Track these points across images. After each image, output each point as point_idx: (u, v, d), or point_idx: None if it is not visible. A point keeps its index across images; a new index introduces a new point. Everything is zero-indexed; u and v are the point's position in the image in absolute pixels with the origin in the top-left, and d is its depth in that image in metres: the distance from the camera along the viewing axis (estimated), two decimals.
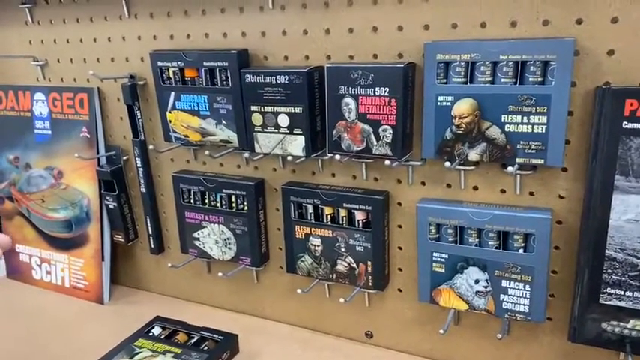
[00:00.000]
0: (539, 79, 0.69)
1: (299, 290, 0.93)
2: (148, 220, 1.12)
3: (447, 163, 0.76)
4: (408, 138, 0.80)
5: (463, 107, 0.73)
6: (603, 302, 0.72)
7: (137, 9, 1.00)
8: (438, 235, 0.81)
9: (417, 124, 0.80)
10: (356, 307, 0.97)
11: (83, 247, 1.17)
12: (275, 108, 0.86)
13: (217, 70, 0.89)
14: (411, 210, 0.85)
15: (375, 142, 0.80)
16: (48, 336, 1.05)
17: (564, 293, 0.79)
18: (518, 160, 0.72)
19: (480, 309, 0.81)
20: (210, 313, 1.11)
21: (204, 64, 0.90)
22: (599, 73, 0.68)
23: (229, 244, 1.01)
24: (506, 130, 0.72)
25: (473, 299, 0.81)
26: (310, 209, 0.91)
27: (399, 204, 0.87)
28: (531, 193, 0.77)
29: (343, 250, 0.90)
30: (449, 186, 0.82)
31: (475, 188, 0.81)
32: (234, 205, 0.98)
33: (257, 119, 0.88)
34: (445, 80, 0.74)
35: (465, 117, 0.73)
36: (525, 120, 0.70)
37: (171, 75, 0.94)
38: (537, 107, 0.69)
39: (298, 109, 0.84)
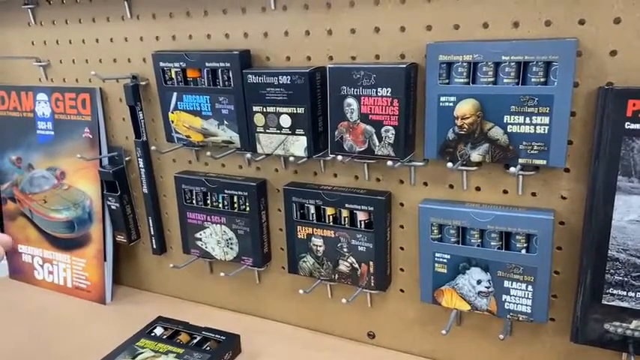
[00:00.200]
0: (542, 79, 0.69)
1: (301, 291, 0.93)
2: (150, 220, 1.12)
3: (450, 164, 0.76)
4: (411, 138, 0.80)
5: (465, 108, 0.73)
6: (606, 303, 0.72)
7: (139, 10, 1.00)
8: (440, 236, 0.81)
9: (420, 125, 0.80)
10: (358, 308, 0.97)
11: (85, 247, 1.17)
12: (277, 108, 0.86)
13: (219, 70, 0.90)
14: (413, 210, 0.85)
15: (377, 143, 0.80)
16: (50, 336, 1.05)
17: (567, 294, 0.79)
18: (520, 161, 0.72)
19: (482, 310, 0.81)
20: (213, 313, 1.12)
21: (207, 64, 0.90)
22: (602, 74, 0.68)
23: (231, 244, 1.01)
24: (509, 130, 0.72)
25: (475, 300, 0.81)
26: (312, 209, 0.91)
27: (401, 204, 0.87)
28: (534, 194, 0.77)
29: (345, 250, 0.90)
30: (451, 186, 0.82)
31: (477, 189, 0.81)
32: (236, 205, 0.98)
33: (259, 120, 0.88)
34: (447, 81, 0.74)
35: (468, 117, 0.73)
36: (528, 120, 0.70)
37: (173, 75, 0.94)
38: (540, 108, 0.69)
39: (300, 110, 0.84)
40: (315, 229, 0.91)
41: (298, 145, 0.86)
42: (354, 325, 0.99)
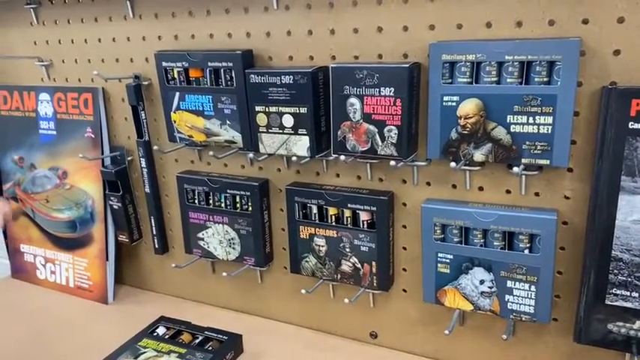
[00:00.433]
0: (545, 79, 0.68)
1: (303, 291, 0.93)
2: (153, 220, 1.12)
3: (453, 164, 0.75)
4: (413, 138, 0.80)
5: (468, 107, 0.73)
6: (609, 303, 0.72)
7: (142, 9, 1.00)
8: (443, 236, 0.81)
9: (422, 125, 0.80)
10: (360, 308, 0.97)
11: (87, 247, 1.17)
12: (280, 108, 0.86)
13: (222, 70, 0.90)
14: (415, 210, 0.85)
15: (380, 143, 0.80)
16: (52, 336, 1.05)
17: (570, 294, 0.79)
18: (523, 161, 0.72)
19: (485, 310, 0.81)
20: (215, 313, 1.12)
21: (209, 64, 0.90)
22: (606, 73, 0.68)
23: (233, 244, 1.01)
24: (512, 130, 0.71)
25: (478, 300, 0.81)
26: (315, 209, 0.91)
27: (404, 204, 0.87)
28: (537, 194, 0.77)
29: (348, 250, 0.89)
30: (454, 186, 0.82)
31: (480, 188, 0.81)
32: (238, 205, 0.98)
33: (261, 119, 0.88)
34: (450, 80, 0.74)
35: (471, 117, 0.73)
36: (531, 120, 0.70)
37: (175, 75, 0.94)
38: (543, 107, 0.69)
39: (303, 110, 0.84)
40: (317, 229, 0.91)
41: (301, 145, 0.86)
42: (356, 325, 0.99)
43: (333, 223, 0.90)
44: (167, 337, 0.98)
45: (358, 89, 0.79)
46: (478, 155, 0.75)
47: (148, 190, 1.10)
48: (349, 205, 0.87)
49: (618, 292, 0.71)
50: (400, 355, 0.95)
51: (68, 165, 1.16)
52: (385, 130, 0.78)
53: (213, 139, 0.95)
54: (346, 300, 0.90)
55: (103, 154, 1.11)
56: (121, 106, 1.10)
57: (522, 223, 0.75)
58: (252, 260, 1.00)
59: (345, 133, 0.82)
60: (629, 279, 0.70)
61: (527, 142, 0.71)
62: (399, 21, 0.78)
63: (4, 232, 1.31)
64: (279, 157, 0.93)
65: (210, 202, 1.01)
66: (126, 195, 1.12)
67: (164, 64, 0.94)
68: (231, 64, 0.88)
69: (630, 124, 0.65)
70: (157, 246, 1.14)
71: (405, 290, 0.92)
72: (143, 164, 1.08)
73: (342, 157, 0.83)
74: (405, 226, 0.88)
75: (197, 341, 0.96)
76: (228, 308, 1.13)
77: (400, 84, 0.75)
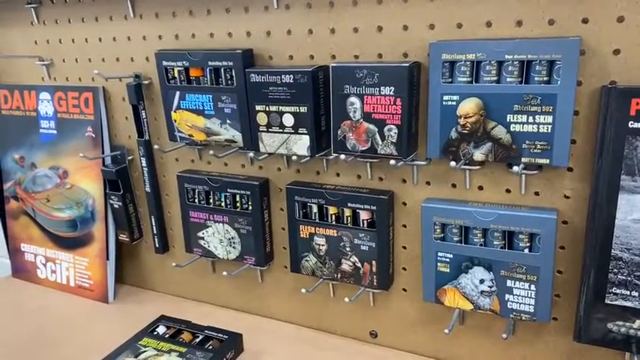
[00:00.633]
0: (545, 78, 0.69)
1: (303, 290, 0.94)
2: (153, 219, 1.12)
3: (452, 163, 0.76)
4: (413, 137, 0.80)
5: (468, 107, 0.73)
6: (609, 302, 0.72)
7: (142, 9, 1.00)
8: (442, 235, 0.81)
9: (422, 124, 0.80)
10: (360, 307, 0.97)
11: (88, 246, 1.17)
12: (280, 107, 0.86)
13: (222, 69, 0.90)
14: (415, 210, 0.85)
15: (380, 142, 0.80)
16: (53, 335, 1.06)
17: (570, 293, 0.79)
18: (523, 160, 0.72)
19: (485, 309, 0.81)
20: (215, 312, 1.12)
21: (209, 63, 0.90)
22: (605, 73, 0.68)
23: (234, 243, 1.01)
24: (512, 129, 0.71)
25: (478, 299, 0.81)
26: (315, 209, 0.91)
27: (404, 203, 0.87)
28: (537, 193, 0.77)
29: (348, 249, 0.89)
30: (454, 186, 0.82)
31: (480, 188, 0.81)
32: (238, 204, 0.98)
33: (262, 119, 0.88)
34: (450, 80, 0.74)
35: (471, 116, 0.73)
36: (531, 119, 0.70)
37: (176, 74, 0.94)
38: (543, 107, 0.69)
39: (303, 109, 0.84)
40: (317, 229, 0.91)
41: (301, 144, 0.86)
42: (356, 324, 0.99)
43: (334, 223, 0.90)
44: (167, 336, 0.98)
45: (358, 88, 0.79)
46: (478, 154, 0.75)
47: (148, 189, 1.10)
48: (349, 205, 0.87)
49: (618, 291, 0.71)
50: (400, 354, 0.95)
51: (69, 164, 1.16)
52: (385, 129, 0.79)
53: (214, 139, 0.95)
54: (346, 299, 0.90)
55: (103, 153, 1.11)
56: (121, 105, 1.10)
57: (522, 223, 0.75)
58: (252, 259, 1.00)
59: (345, 133, 0.82)
60: (629, 278, 0.70)
61: (527, 142, 0.71)
62: (399, 20, 0.78)
63: (5, 232, 1.31)
64: (280, 156, 0.93)
65: (211, 201, 1.01)
66: (126, 194, 1.12)
67: (164, 63, 0.94)
68: (231, 64, 0.88)
69: (630, 123, 0.65)
70: (157, 245, 1.14)
71: (405, 289, 0.92)
72: (144, 163, 1.08)
73: (342, 157, 0.83)
74: (405, 226, 0.88)
75: (197, 340, 0.96)
76: (228, 307, 1.13)
77: (400, 83, 0.76)
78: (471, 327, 0.88)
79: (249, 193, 0.96)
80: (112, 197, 1.12)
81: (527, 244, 0.76)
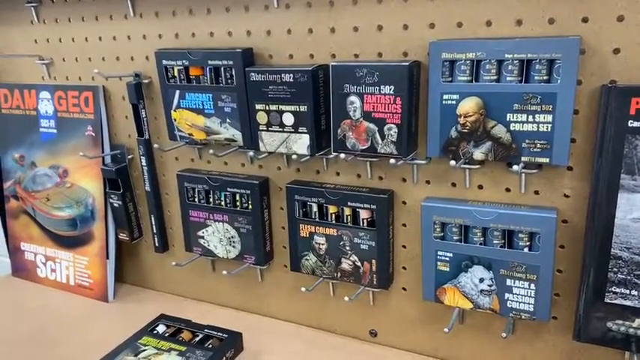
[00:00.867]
0: (545, 77, 0.69)
1: (303, 289, 0.94)
2: (153, 218, 1.12)
3: (452, 162, 0.76)
4: (413, 136, 0.80)
5: (468, 106, 0.73)
6: (609, 301, 0.72)
7: (142, 8, 1.00)
8: (442, 234, 0.81)
9: (422, 123, 0.80)
10: (360, 306, 0.97)
11: (88, 245, 1.17)
12: (280, 106, 0.86)
13: (222, 68, 0.90)
14: (415, 209, 0.85)
15: (379, 141, 0.80)
16: (52, 334, 1.06)
17: (569, 292, 0.79)
18: (523, 159, 0.72)
19: (485, 308, 0.81)
20: (215, 311, 1.12)
21: (209, 62, 0.90)
22: (605, 72, 0.68)
23: (234, 242, 1.01)
24: (512, 128, 0.71)
25: (477, 298, 0.81)
26: (315, 208, 0.91)
27: (404, 203, 0.87)
28: (536, 192, 0.77)
29: (347, 248, 0.90)
30: (454, 185, 0.82)
31: (480, 187, 0.81)
32: (238, 203, 0.98)
33: (262, 118, 0.88)
34: (450, 79, 0.74)
35: (470, 116, 0.73)
36: (531, 118, 0.70)
37: (176, 73, 0.94)
38: (543, 106, 0.69)
39: (303, 108, 0.84)
40: (317, 228, 0.91)
41: (301, 143, 0.86)
42: (356, 323, 0.99)
43: (333, 222, 0.90)
44: (167, 334, 0.98)
45: (358, 87, 0.79)
46: (478, 153, 0.75)
47: (148, 188, 1.10)
48: (349, 204, 0.87)
49: (618, 290, 0.71)
50: (400, 353, 0.95)
51: (69, 163, 1.16)
52: (385, 128, 0.79)
53: (214, 138, 0.95)
54: (346, 298, 0.90)
55: (103, 152, 1.11)
56: (121, 104, 1.10)
57: (522, 222, 0.75)
58: (252, 258, 1.00)
59: (345, 132, 0.82)
60: (629, 277, 0.70)
61: (527, 141, 0.71)
62: (399, 19, 0.78)
63: (5, 231, 1.31)
64: (280, 155, 0.93)
65: (211, 200, 1.01)
66: (126, 193, 1.12)
67: (164, 62, 0.94)
68: (231, 63, 0.88)
69: (630, 122, 0.65)
70: (157, 244, 1.14)
71: (404, 288, 0.92)
72: (143, 162, 1.08)
73: (342, 156, 0.83)
74: (404, 225, 0.88)
75: (197, 339, 0.96)
76: (228, 306, 1.13)
77: (400, 82, 0.76)
78: (470, 326, 0.88)
79: (249, 192, 0.96)
80: (112, 196, 1.12)
81: (527, 243, 0.76)
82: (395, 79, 0.76)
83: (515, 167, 0.72)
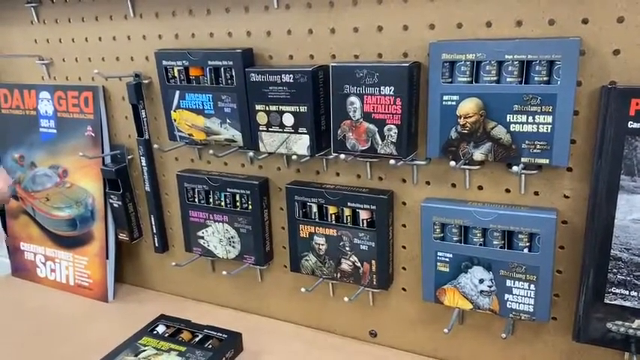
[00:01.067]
0: (545, 78, 0.69)
1: (303, 289, 0.94)
2: (153, 218, 1.12)
3: (452, 163, 0.76)
4: (413, 137, 0.80)
5: (468, 107, 0.73)
6: (608, 302, 0.72)
7: (142, 8, 1.00)
8: (442, 235, 0.81)
9: (422, 124, 0.80)
10: (360, 306, 0.97)
11: (88, 245, 1.17)
12: (280, 107, 0.86)
13: (222, 69, 0.90)
14: (415, 209, 0.86)
15: (379, 142, 0.80)
16: (52, 334, 1.06)
17: (569, 293, 0.79)
18: (523, 160, 0.72)
19: (485, 309, 0.81)
20: (215, 311, 1.12)
21: (209, 63, 0.90)
22: (605, 73, 0.68)
23: (233, 242, 1.01)
24: (512, 129, 0.72)
25: (477, 299, 0.81)
26: (314, 208, 0.91)
27: (404, 203, 0.87)
28: (536, 193, 0.77)
29: (347, 249, 0.90)
30: (453, 185, 0.82)
31: (480, 188, 0.81)
32: (238, 204, 0.98)
33: (262, 118, 0.88)
34: (450, 80, 0.74)
35: (470, 116, 0.73)
36: (531, 119, 0.70)
37: (176, 74, 0.94)
38: (543, 107, 0.69)
39: (303, 108, 0.84)
40: (317, 228, 0.91)
41: (301, 144, 0.86)
42: (356, 323, 0.99)
43: (333, 222, 0.90)
44: (167, 335, 0.98)
45: (358, 88, 0.79)
46: (478, 154, 0.75)
47: (148, 188, 1.10)
48: (349, 204, 0.87)
49: (617, 291, 0.71)
50: (399, 353, 0.95)
51: (68, 163, 1.16)
52: (385, 129, 0.79)
53: (214, 138, 0.95)
54: (346, 298, 0.90)
55: (103, 152, 1.11)
56: (121, 104, 1.10)
57: (522, 222, 0.75)
58: (252, 259, 1.00)
59: (345, 132, 0.82)
60: (628, 278, 0.70)
61: (527, 142, 0.71)
62: (399, 20, 0.78)
63: (5, 230, 1.31)
64: (279, 155, 0.93)
65: (210, 200, 1.01)
66: (126, 193, 1.12)
67: (164, 62, 0.94)
68: (231, 63, 0.88)
69: (629, 123, 0.65)
70: (157, 244, 1.14)
71: (404, 289, 0.92)
72: (143, 163, 1.08)
73: (342, 156, 0.83)
74: (404, 225, 0.88)
75: (197, 339, 0.96)
76: (228, 307, 1.13)
77: (400, 83, 0.76)
78: (470, 326, 0.88)
79: (248, 192, 0.96)
80: (112, 196, 1.12)
81: (527, 244, 0.76)
82: (395, 79, 0.76)
83: (515, 168, 0.72)
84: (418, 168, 0.84)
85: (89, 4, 1.05)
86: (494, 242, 0.78)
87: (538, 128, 0.70)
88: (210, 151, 0.92)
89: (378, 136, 0.80)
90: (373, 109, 0.79)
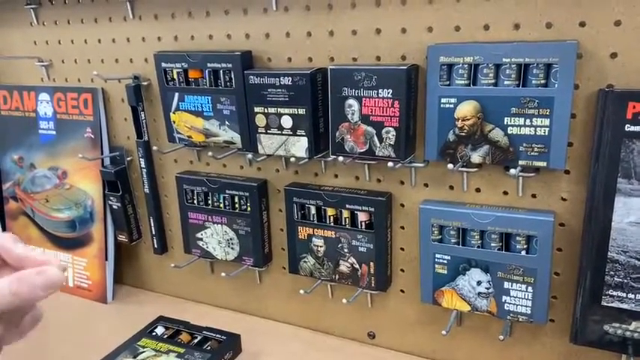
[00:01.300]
0: (542, 81, 0.69)
1: (301, 291, 0.94)
2: (152, 220, 1.12)
3: (450, 165, 0.76)
4: (411, 140, 0.81)
5: (466, 109, 0.73)
6: (605, 304, 0.72)
7: (141, 10, 1.00)
8: (440, 237, 0.81)
9: (420, 126, 0.81)
10: (358, 308, 0.97)
11: (87, 247, 1.17)
12: (278, 109, 0.86)
13: (221, 71, 0.90)
14: (413, 211, 0.86)
15: (378, 144, 0.80)
16: (51, 335, 1.06)
17: (566, 295, 0.79)
18: (520, 163, 0.72)
19: (483, 310, 0.82)
20: (213, 313, 1.12)
21: (208, 65, 0.90)
22: (602, 76, 0.68)
23: (232, 244, 1.01)
24: (509, 132, 0.72)
25: (475, 301, 0.81)
26: (313, 210, 0.91)
27: (402, 205, 0.87)
28: (534, 195, 0.77)
29: (346, 250, 0.90)
30: (451, 188, 0.83)
31: (478, 190, 0.81)
32: (237, 205, 0.98)
33: (260, 120, 0.88)
34: (448, 82, 0.74)
35: (468, 119, 0.74)
36: (528, 122, 0.70)
37: (175, 76, 0.95)
38: (540, 110, 0.69)
39: (302, 111, 0.84)
40: (315, 230, 0.91)
41: (299, 146, 0.86)
42: (354, 325, 0.99)
43: (332, 224, 0.90)
44: (166, 336, 0.98)
45: (356, 91, 0.79)
46: (475, 157, 0.75)
47: (147, 190, 1.10)
48: (347, 206, 0.87)
49: (614, 293, 0.71)
50: (398, 355, 0.95)
51: (68, 165, 1.16)
52: (383, 131, 0.79)
53: (212, 140, 0.95)
54: (344, 300, 0.90)
55: (102, 154, 1.12)
56: (120, 106, 1.10)
57: (519, 225, 0.75)
58: (250, 260, 1.00)
59: (343, 135, 0.82)
60: (625, 280, 0.70)
61: (525, 144, 0.71)
62: (398, 23, 0.78)
63: (4, 231, 1.31)
64: (278, 157, 0.93)
65: (209, 202, 1.01)
66: (125, 195, 1.12)
67: (163, 64, 0.95)
68: (230, 65, 0.88)
69: (627, 126, 0.66)
70: (156, 246, 1.14)
71: (402, 291, 0.92)
72: (142, 164, 1.08)
73: (341, 158, 0.83)
74: (402, 227, 0.89)
75: (196, 341, 0.96)
76: (226, 308, 1.13)
77: (398, 86, 0.76)
78: (468, 328, 0.88)
79: (247, 194, 0.96)
80: (111, 198, 1.12)
81: (525, 246, 0.76)
82: (393, 82, 0.76)
83: (512, 171, 0.72)
84: (416, 170, 0.84)
85: (88, 5, 1.05)
86: (492, 244, 0.78)
87: (535, 131, 0.70)
88: (209, 153, 0.92)
89: (376, 139, 0.80)
90: (371, 112, 0.79)
